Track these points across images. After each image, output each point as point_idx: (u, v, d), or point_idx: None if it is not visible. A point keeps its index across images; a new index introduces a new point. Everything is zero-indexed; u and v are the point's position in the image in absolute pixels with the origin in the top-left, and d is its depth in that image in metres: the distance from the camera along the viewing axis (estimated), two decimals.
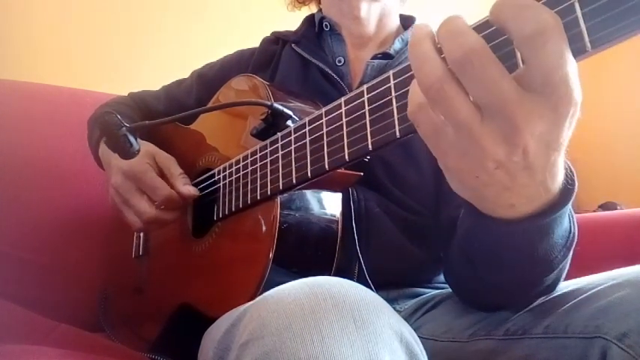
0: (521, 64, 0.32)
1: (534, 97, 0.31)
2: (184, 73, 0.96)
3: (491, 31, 0.33)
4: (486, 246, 0.48)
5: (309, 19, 0.89)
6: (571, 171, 0.39)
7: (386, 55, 0.80)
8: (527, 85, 0.31)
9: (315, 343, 0.37)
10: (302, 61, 0.82)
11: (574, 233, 0.47)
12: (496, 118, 0.32)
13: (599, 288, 0.48)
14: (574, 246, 0.47)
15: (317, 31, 0.86)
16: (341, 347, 0.37)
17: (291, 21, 0.93)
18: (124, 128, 0.59)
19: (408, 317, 0.69)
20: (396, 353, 0.39)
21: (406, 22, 0.87)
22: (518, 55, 0.32)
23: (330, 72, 0.78)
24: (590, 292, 0.49)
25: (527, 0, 0.30)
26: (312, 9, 0.95)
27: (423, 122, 0.36)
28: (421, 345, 0.43)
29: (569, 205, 0.41)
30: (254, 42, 0.92)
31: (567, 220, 0.45)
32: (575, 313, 0.48)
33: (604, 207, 2.25)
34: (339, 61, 0.81)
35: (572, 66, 0.30)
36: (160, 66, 1.37)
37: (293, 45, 0.84)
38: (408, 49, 0.34)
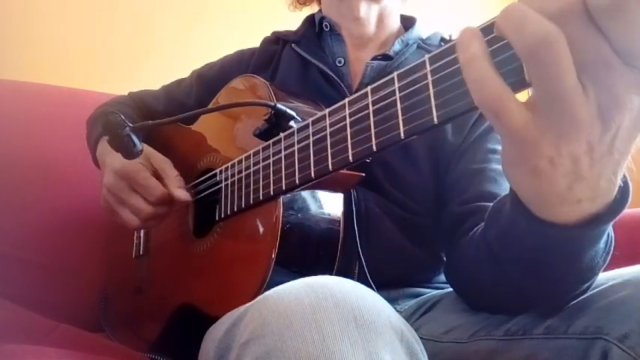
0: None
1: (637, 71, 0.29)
2: (184, 73, 0.96)
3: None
4: (529, 251, 0.45)
5: (310, 19, 0.89)
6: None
7: (385, 57, 0.80)
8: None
9: (316, 343, 0.37)
10: (302, 61, 0.82)
11: (612, 237, 0.45)
12: (602, 91, 0.29)
13: (599, 288, 0.48)
14: (613, 250, 0.46)
15: (317, 32, 0.86)
16: (342, 346, 0.37)
17: (292, 21, 0.93)
18: (128, 128, 0.59)
19: (408, 317, 0.69)
20: (396, 352, 0.39)
21: (407, 22, 0.87)
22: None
23: (329, 73, 0.78)
24: (590, 293, 0.48)
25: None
26: (314, 8, 0.95)
27: (513, 105, 0.31)
28: (421, 344, 0.43)
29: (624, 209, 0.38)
30: (254, 42, 0.92)
31: None
32: (575, 313, 0.47)
33: None
34: (339, 62, 0.81)
35: None
36: (160, 66, 1.37)
37: (293, 45, 0.84)
38: (500, 21, 0.30)
